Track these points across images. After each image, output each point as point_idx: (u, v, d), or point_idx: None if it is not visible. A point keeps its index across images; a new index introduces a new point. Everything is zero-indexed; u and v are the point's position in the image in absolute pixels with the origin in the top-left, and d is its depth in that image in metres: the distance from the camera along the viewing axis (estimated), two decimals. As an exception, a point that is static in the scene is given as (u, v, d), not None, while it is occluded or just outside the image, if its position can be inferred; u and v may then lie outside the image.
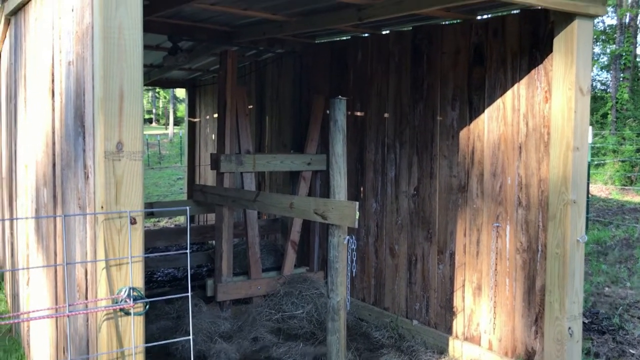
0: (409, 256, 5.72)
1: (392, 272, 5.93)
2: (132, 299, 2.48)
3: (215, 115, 9.25)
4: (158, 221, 11.96)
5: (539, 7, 4.16)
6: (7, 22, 5.20)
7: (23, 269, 4.66)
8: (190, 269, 8.00)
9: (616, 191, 16.02)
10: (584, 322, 5.73)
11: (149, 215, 7.32)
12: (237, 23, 6.15)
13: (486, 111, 4.94)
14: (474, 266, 5.08)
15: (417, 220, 5.63)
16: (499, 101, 4.83)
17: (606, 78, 29.44)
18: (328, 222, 4.36)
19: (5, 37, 5.70)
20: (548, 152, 4.37)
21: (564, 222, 4.14)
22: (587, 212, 10.45)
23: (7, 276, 6.40)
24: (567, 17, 4.06)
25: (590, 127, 12.20)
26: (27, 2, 4.09)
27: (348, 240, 4.28)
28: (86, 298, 2.79)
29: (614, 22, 25.86)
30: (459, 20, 5.22)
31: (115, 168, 2.50)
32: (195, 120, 10.98)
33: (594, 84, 29.66)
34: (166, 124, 45.78)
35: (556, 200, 4.19)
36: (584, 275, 5.74)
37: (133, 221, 2.54)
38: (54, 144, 3.42)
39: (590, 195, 12.46)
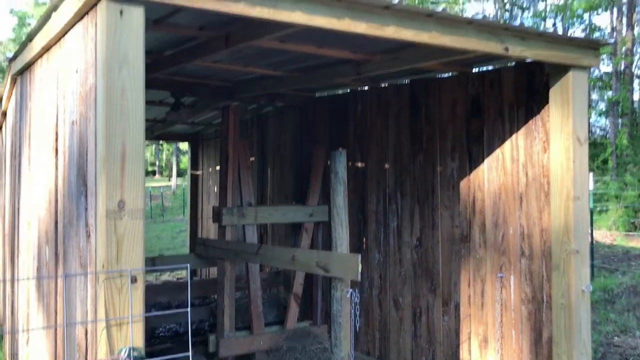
0: (414, 308, 5.65)
1: (397, 325, 5.84)
2: (132, 359, 2.44)
3: (218, 168, 9.31)
4: (160, 275, 11.87)
5: (533, 60, 4.25)
6: (14, 82, 5.31)
7: (23, 330, 4.61)
8: (192, 324, 7.89)
9: (621, 237, 15.92)
10: (594, 374, 5.61)
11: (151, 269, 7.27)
12: (238, 79, 6.28)
13: (485, 161, 4.98)
14: (479, 318, 5.01)
15: (420, 272, 5.59)
16: (497, 151, 4.87)
17: (605, 124, 29.74)
18: (330, 276, 4.34)
19: (11, 95, 5.81)
20: (549, 201, 4.37)
21: (567, 272, 4.11)
22: (592, 259, 10.36)
23: (7, 334, 6.31)
24: (561, 69, 4.14)
25: (591, 174, 12.22)
26: (33, 63, 4.19)
27: (351, 293, 4.25)
28: (86, 359, 2.75)
29: (610, 69, 26.29)
30: (455, 73, 5.32)
31: (117, 226, 2.51)
32: (198, 173, 11.06)
33: (593, 129, 29.93)
34: (169, 176, 46.03)
35: (559, 250, 4.17)
36: (592, 324, 5.66)
37: (134, 280, 2.54)
38: (56, 201, 3.44)
39: (594, 242, 12.38)
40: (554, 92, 4.22)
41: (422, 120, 5.61)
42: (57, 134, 3.44)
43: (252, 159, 8.23)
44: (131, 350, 2.46)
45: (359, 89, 6.48)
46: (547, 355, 4.42)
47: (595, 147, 24.42)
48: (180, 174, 40.66)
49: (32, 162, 4.30)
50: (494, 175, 4.91)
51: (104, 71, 2.51)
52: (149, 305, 8.09)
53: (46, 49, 3.68)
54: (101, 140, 2.52)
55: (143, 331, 2.56)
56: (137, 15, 2.56)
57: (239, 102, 6.84)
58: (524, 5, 30.25)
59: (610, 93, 24.80)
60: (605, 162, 22.67)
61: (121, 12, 2.53)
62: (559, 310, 4.16)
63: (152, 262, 6.83)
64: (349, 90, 6.68)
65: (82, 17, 2.86)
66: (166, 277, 11.84)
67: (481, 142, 5.02)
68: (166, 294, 7.15)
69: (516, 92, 4.74)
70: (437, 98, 5.46)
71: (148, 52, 4.97)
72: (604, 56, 24.29)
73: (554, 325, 4.21)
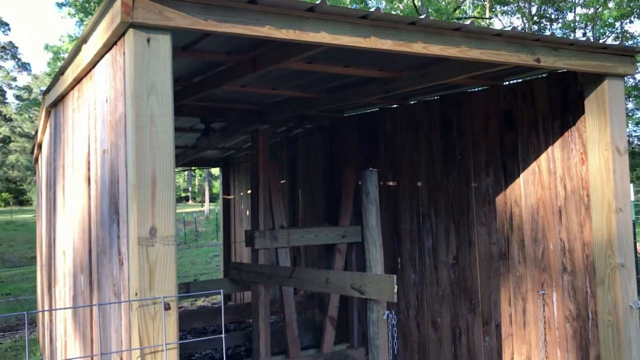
0: (453, 329, 5.50)
1: (436, 347, 5.70)
2: (166, 389, 2.41)
3: (249, 192, 9.34)
4: (195, 300, 11.90)
5: (566, 70, 4.14)
6: (48, 114, 5.43)
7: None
8: (228, 349, 7.85)
9: (666, 249, 15.35)
10: (646, 394, 5.35)
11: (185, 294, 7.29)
12: (267, 102, 6.30)
13: (521, 175, 4.86)
14: (521, 337, 4.84)
15: (458, 291, 5.45)
16: (533, 165, 4.75)
17: (642, 133, 29.01)
18: (366, 297, 4.25)
19: (46, 127, 5.94)
20: (589, 214, 4.23)
21: (613, 288, 3.94)
22: (638, 273, 9.99)
23: None
24: (596, 78, 4.03)
25: (632, 185, 11.83)
26: (66, 95, 4.27)
27: (388, 315, 4.15)
28: (121, 388, 2.73)
29: (645, 77, 25.70)
30: (486, 87, 5.24)
31: (149, 254, 2.49)
32: (230, 197, 11.11)
33: (631, 139, 29.22)
34: (202, 201, 46.52)
35: (603, 264, 4.01)
36: (641, 342, 5.40)
37: (167, 307, 2.51)
38: (90, 230, 3.46)
39: (638, 255, 11.95)
40: (589, 102, 4.11)
41: (454, 136, 5.52)
42: (89, 163, 3.47)
43: (282, 181, 8.23)
44: (166, 379, 2.42)
45: (388, 107, 6.43)
46: (596, 376, 4.24)
47: (634, 157, 23.80)
48: (212, 199, 41.06)
49: (66, 192, 4.36)
50: (530, 189, 4.78)
51: (133, 99, 2.52)
52: (184, 331, 8.10)
53: (77, 80, 3.74)
54: (131, 167, 2.52)
55: (177, 359, 2.53)
56: (164, 42, 2.57)
57: (268, 126, 6.87)
58: (553, 17, 29.91)
59: (646, 101, 24.20)
60: (645, 172, 22.04)
61: (148, 40, 2.54)
62: (607, 328, 3.99)
63: (187, 288, 6.84)
64: (377, 109, 6.64)
65: (110, 48, 2.90)
66: (201, 302, 11.86)
67: (516, 156, 4.91)
68: (201, 320, 7.13)
69: (550, 103, 4.63)
70: (468, 113, 5.37)
71: (177, 79, 5.04)
72: (639, 64, 23.76)
73: (602, 343, 4.03)
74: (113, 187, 2.91)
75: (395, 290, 4.00)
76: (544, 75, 4.76)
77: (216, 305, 10.72)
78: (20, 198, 51.52)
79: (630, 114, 27.50)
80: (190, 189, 54.40)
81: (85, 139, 3.55)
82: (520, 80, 5.00)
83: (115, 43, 2.82)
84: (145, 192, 2.50)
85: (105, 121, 3.07)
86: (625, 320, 3.92)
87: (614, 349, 3.94)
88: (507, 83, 5.11)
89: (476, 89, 5.42)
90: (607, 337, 3.99)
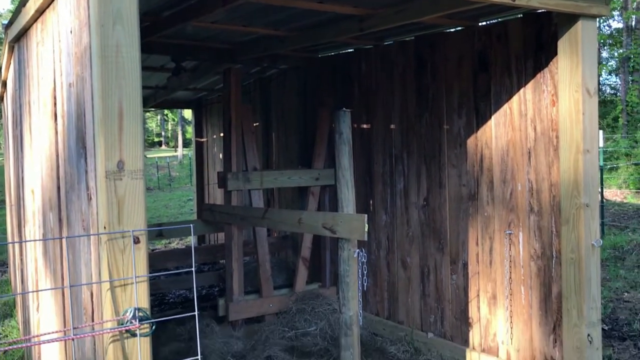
0: (422, 268, 5.64)
1: (405, 285, 5.84)
2: (137, 320, 2.43)
3: (222, 134, 9.26)
4: (169, 242, 11.94)
5: (542, 10, 4.12)
6: (11, 49, 5.23)
7: (28, 292, 4.63)
8: (202, 289, 7.95)
9: (631, 195, 15.82)
10: (603, 329, 5.60)
11: (159, 236, 7.29)
12: (239, 40, 6.16)
13: (493, 117, 4.89)
14: (487, 275, 4.99)
15: (428, 231, 5.55)
16: (505, 107, 4.78)
17: (615, 82, 29.31)
18: (337, 236, 4.30)
19: (10, 63, 5.74)
20: (558, 155, 4.29)
21: (577, 227, 4.05)
22: (602, 217, 10.30)
23: (18, 303, 6.38)
24: (570, 19, 4.02)
25: (601, 131, 12.05)
26: (29, 28, 4.11)
27: (358, 253, 4.22)
28: (92, 320, 2.75)
29: (620, 25, 25.77)
30: (462, 27, 5.19)
31: (117, 187, 2.47)
32: (203, 140, 11.01)
33: (604, 88, 29.50)
34: (175, 146, 46.04)
35: (568, 204, 4.11)
36: (602, 280, 5.62)
37: (137, 240, 2.50)
38: (58, 167, 3.40)
39: (604, 200, 12.29)
40: (562, 43, 4.11)
41: (428, 77, 5.50)
42: (55, 98, 3.38)
43: (256, 124, 8.15)
44: (136, 311, 2.44)
45: (363, 47, 6.34)
46: (557, 311, 4.41)
47: (606, 105, 24.12)
48: (186, 144, 40.64)
49: (33, 130, 4.26)
50: (501, 131, 4.82)
51: (98, 28, 2.43)
52: (157, 271, 8.15)
53: (40, 11, 3.59)
54: (98, 99, 2.46)
55: (148, 292, 2.54)
56: (128, -32, 2.46)
57: (240, 65, 6.74)
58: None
59: (621, 51, 24.34)
60: (615, 119, 22.41)
61: (112, -35, 2.43)
62: (569, 265, 4.12)
63: (159, 227, 6.84)
64: (352, 50, 6.55)
65: (73, -26, 2.77)
66: (175, 244, 11.91)
67: (488, 98, 4.92)
68: (174, 260, 7.18)
69: (524, 44, 4.62)
70: (442, 54, 5.33)
71: (145, 14, 4.88)
72: (615, 12, 23.78)
73: (564, 280, 4.17)
74: (80, 121, 2.85)
75: (366, 229, 4.05)
76: (519, 16, 4.73)
77: (189, 247, 10.77)
78: (-12, 141, 50.27)
79: (604, 62, 27.68)
80: (163, 133, 53.64)
81: (51, 73, 3.45)
82: (495, 21, 4.97)
83: (78, -31, 2.70)
84: (112, 124, 2.45)
85: (70, 53, 2.98)
86: (587, 257, 4.05)
87: (574, 286, 4.09)
88: (482, 24, 5.07)
89: (451, 30, 5.36)
90: (569, 274, 4.13)
